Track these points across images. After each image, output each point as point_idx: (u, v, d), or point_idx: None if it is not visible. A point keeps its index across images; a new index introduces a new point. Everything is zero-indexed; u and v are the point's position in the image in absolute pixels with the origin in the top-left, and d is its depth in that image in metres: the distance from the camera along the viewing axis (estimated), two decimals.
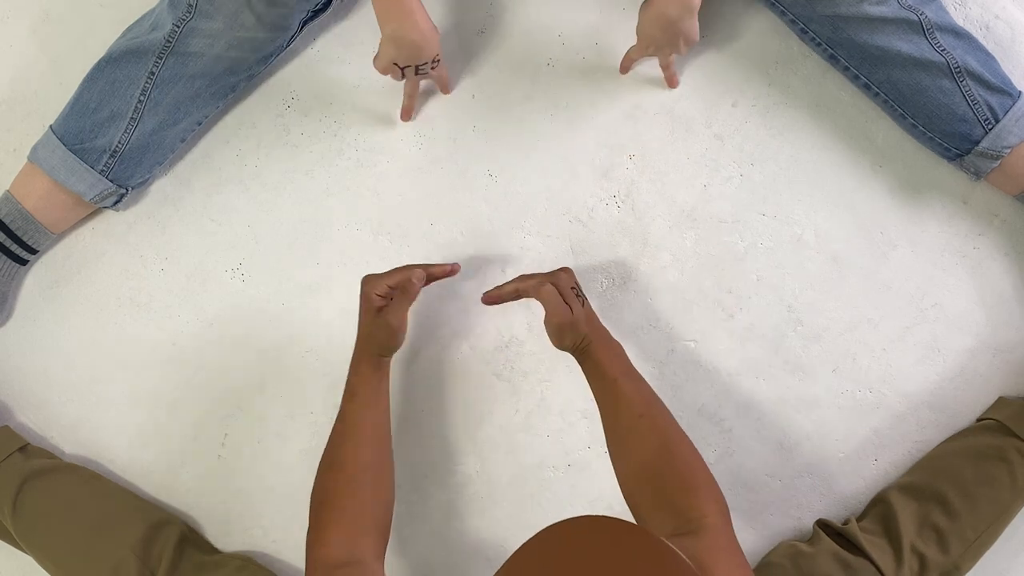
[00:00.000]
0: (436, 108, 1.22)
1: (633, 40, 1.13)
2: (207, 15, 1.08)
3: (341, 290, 1.23)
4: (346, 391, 1.08)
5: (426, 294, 1.22)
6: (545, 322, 1.08)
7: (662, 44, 1.11)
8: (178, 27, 1.09)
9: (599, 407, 1.06)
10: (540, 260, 1.21)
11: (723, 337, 1.20)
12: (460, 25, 1.21)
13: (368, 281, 1.09)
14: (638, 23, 1.10)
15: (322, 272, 1.23)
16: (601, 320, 1.11)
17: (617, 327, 1.20)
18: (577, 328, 1.06)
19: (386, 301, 1.08)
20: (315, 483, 1.05)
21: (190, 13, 1.08)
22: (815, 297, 1.19)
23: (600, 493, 1.22)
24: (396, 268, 1.10)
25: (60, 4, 1.24)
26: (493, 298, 1.13)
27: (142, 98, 1.11)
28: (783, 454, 1.21)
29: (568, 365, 1.21)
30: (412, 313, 1.21)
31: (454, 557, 1.23)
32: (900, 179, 1.18)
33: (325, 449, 1.06)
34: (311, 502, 1.04)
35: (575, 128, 1.21)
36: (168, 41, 1.10)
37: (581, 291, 1.10)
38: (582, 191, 1.20)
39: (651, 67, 1.19)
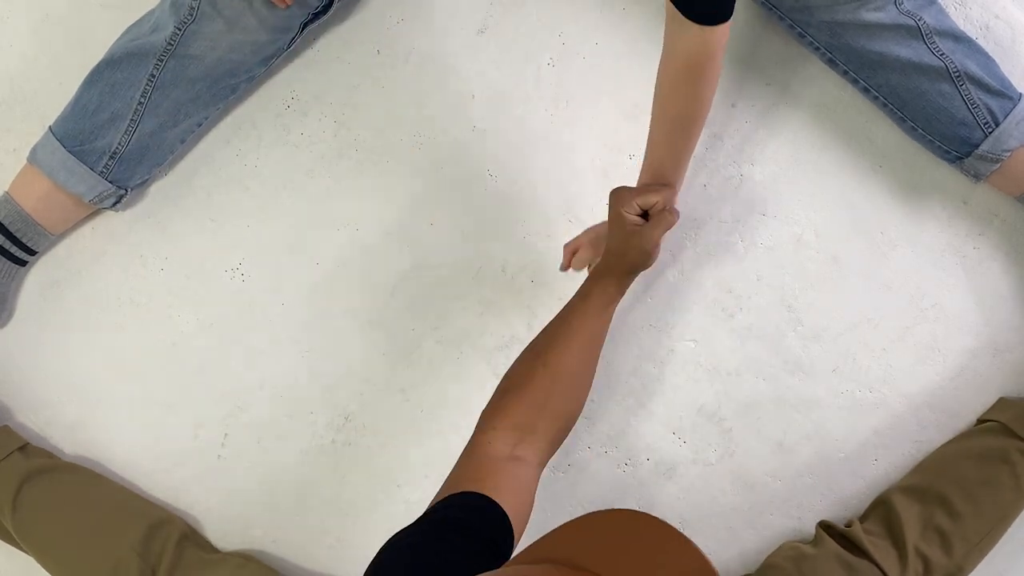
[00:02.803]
0: (436, 108, 1.22)
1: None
2: (209, 18, 1.08)
3: (341, 290, 1.23)
4: (579, 292, 1.06)
5: (425, 293, 1.22)
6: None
7: None
8: (180, 30, 1.09)
9: None
10: (540, 260, 1.21)
11: (723, 337, 1.20)
12: (460, 25, 1.21)
13: (618, 196, 1.04)
14: (607, 240, 1.06)
15: (322, 272, 1.23)
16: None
17: (617, 327, 1.20)
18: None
19: (641, 221, 1.04)
20: (514, 364, 1.03)
21: (192, 16, 1.08)
22: (815, 297, 1.19)
23: (600, 493, 1.21)
24: (648, 187, 1.07)
25: (60, 4, 1.24)
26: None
27: (142, 100, 1.11)
28: (783, 454, 1.20)
29: None
30: (410, 310, 1.20)
31: None
32: (900, 179, 1.18)
33: (537, 336, 1.04)
34: (502, 381, 1.02)
35: (575, 128, 1.20)
36: (169, 44, 1.09)
37: None
38: (582, 191, 1.20)
39: (651, 66, 1.19)
